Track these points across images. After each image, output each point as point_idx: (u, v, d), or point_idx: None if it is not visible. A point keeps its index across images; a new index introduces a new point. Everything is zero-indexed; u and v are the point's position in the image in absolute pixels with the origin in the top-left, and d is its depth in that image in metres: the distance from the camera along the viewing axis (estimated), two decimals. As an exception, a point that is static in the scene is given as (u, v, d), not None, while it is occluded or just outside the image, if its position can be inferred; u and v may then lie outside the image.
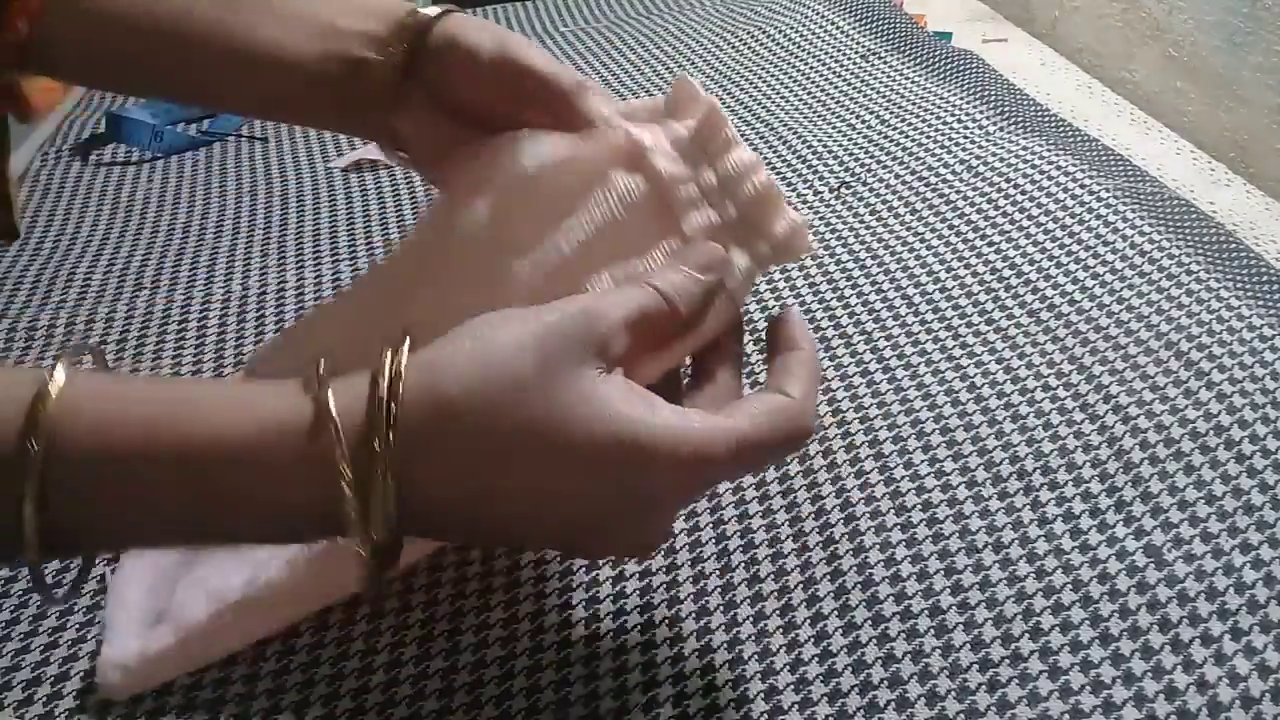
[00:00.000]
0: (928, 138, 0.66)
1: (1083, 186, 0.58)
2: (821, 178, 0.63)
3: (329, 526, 0.30)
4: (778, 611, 0.37)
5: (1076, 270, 0.53)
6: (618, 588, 0.39)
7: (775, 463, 0.40)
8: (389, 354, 0.31)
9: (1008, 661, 0.35)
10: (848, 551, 0.39)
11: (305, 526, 0.31)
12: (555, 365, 0.31)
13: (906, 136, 0.67)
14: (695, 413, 0.32)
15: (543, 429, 0.30)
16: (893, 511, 0.41)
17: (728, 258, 0.35)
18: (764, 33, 0.84)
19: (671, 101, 0.39)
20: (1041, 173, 0.60)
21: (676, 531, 0.41)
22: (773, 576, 0.39)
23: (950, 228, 0.57)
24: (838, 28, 0.83)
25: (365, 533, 0.29)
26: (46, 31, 0.44)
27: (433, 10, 0.43)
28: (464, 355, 0.31)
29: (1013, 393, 0.46)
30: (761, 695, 0.35)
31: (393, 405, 0.29)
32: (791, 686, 0.35)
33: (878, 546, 0.39)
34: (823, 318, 0.52)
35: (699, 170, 0.36)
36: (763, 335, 0.51)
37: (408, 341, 0.31)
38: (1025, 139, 0.65)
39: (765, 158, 0.66)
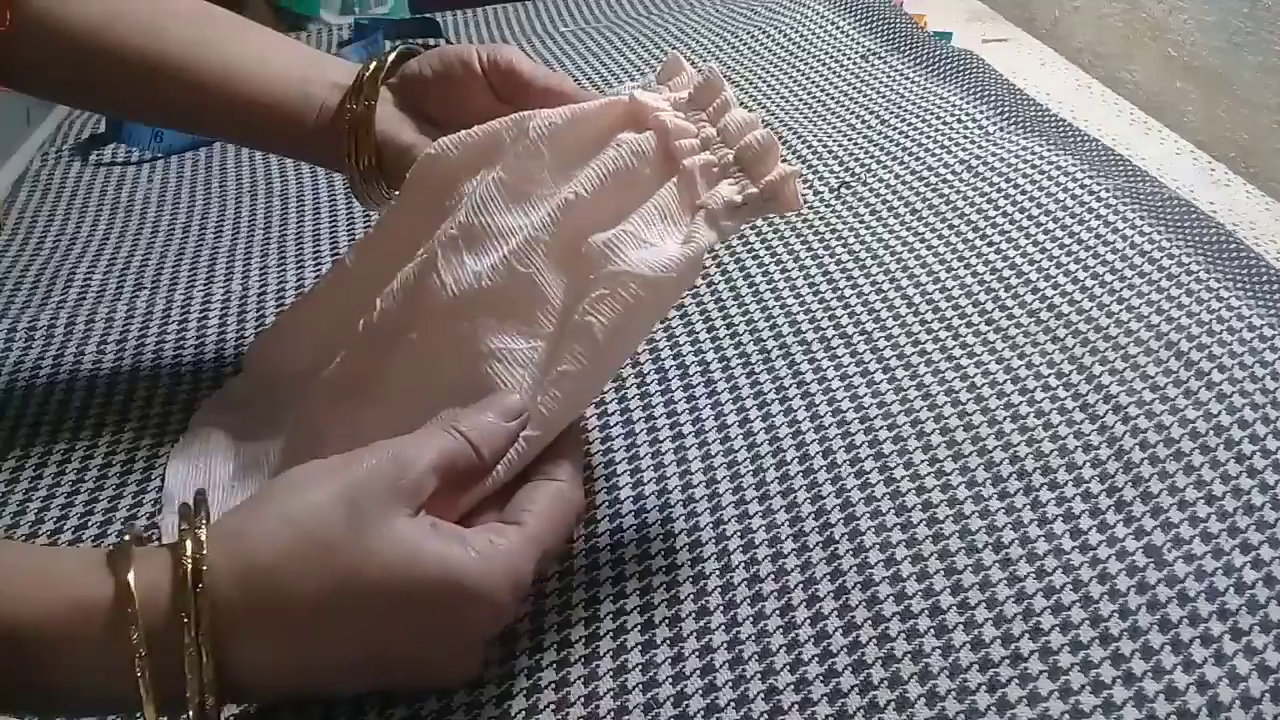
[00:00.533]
0: (928, 138, 0.66)
1: (1083, 186, 0.58)
2: (822, 178, 0.63)
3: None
4: (778, 611, 0.37)
5: (1076, 270, 0.53)
6: (617, 588, 0.39)
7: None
8: (189, 524, 0.31)
9: (1008, 661, 0.35)
10: (848, 551, 0.39)
11: (119, 705, 0.31)
12: (365, 516, 0.31)
13: (907, 136, 0.67)
14: (494, 532, 0.33)
15: (359, 581, 0.31)
16: (893, 511, 0.41)
17: (525, 404, 0.37)
18: (764, 33, 0.84)
19: (663, 75, 0.41)
20: (1041, 173, 0.60)
21: (676, 532, 0.41)
22: (773, 576, 0.39)
23: (950, 228, 0.57)
24: (838, 28, 0.83)
25: (156, 715, 0.29)
26: (16, 52, 0.44)
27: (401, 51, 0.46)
28: (273, 518, 0.31)
29: (1013, 392, 0.46)
30: (761, 695, 0.35)
31: (199, 577, 0.29)
32: (791, 686, 0.35)
33: (878, 546, 0.39)
34: (823, 318, 0.52)
35: (699, 126, 0.38)
36: (764, 334, 0.51)
37: (207, 511, 0.32)
38: (1025, 139, 0.65)
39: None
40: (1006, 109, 0.70)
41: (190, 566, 0.29)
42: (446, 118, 0.45)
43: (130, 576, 0.29)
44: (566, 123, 0.39)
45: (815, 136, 0.68)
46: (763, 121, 0.38)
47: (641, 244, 0.36)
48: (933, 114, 0.69)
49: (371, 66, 0.45)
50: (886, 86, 0.74)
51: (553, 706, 0.35)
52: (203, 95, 0.45)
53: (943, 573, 0.38)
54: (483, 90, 0.45)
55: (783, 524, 0.41)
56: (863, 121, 0.69)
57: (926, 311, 0.51)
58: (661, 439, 0.45)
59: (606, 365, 0.38)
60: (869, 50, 0.79)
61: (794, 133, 0.69)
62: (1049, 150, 0.62)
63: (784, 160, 0.38)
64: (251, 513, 0.32)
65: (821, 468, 0.43)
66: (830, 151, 0.66)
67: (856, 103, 0.72)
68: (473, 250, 0.38)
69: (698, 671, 0.36)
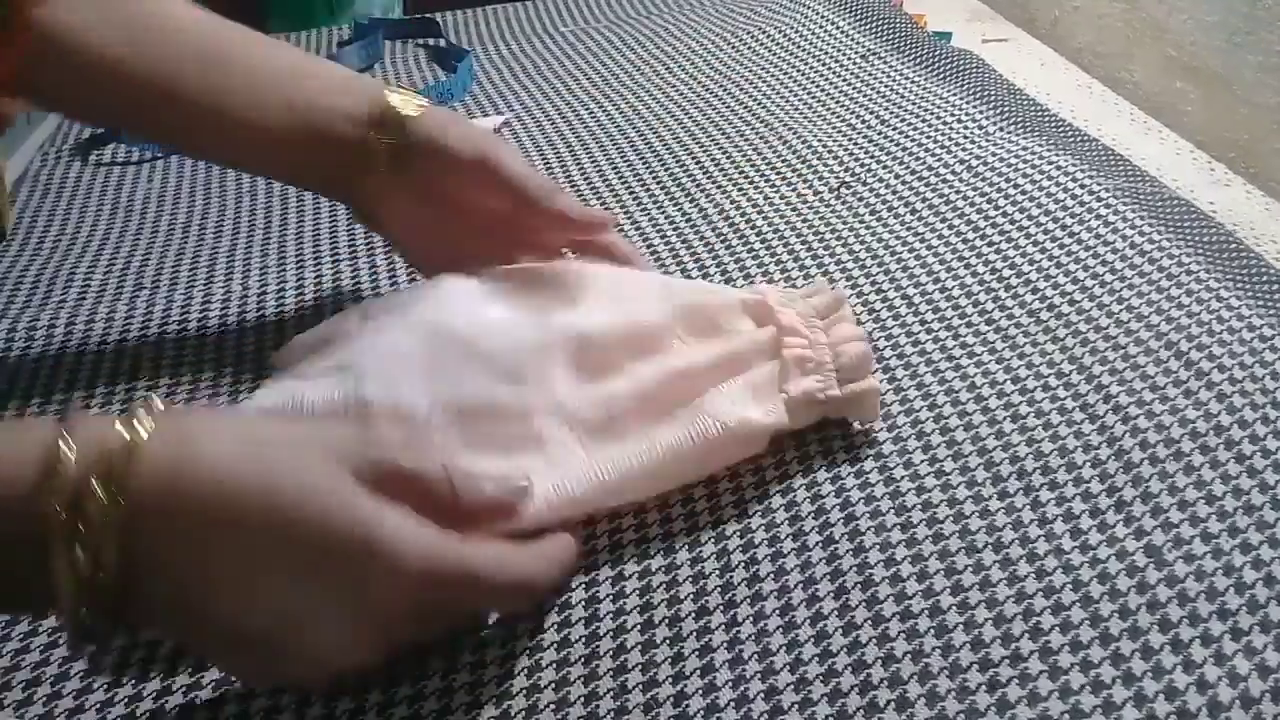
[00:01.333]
0: (928, 138, 0.66)
1: (1083, 186, 0.58)
2: (821, 178, 0.63)
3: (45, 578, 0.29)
4: (778, 611, 0.37)
5: (1076, 270, 0.53)
6: (617, 587, 0.39)
7: (508, 605, 0.38)
8: (143, 405, 0.31)
9: (1008, 661, 0.35)
10: (847, 551, 0.39)
11: (27, 574, 0.30)
12: (309, 454, 0.32)
13: (906, 136, 0.67)
14: (438, 529, 0.33)
15: (277, 505, 0.30)
16: (893, 511, 0.41)
17: (527, 488, 0.38)
18: (764, 33, 0.84)
19: (806, 291, 0.47)
20: (1041, 173, 0.60)
21: (676, 532, 0.41)
22: (772, 576, 0.39)
23: (950, 228, 0.57)
24: (838, 28, 0.83)
25: (74, 576, 0.29)
26: (35, 74, 0.45)
27: (404, 101, 0.47)
28: (225, 423, 0.32)
29: (1013, 393, 0.46)
30: (761, 695, 0.35)
31: (132, 452, 0.29)
32: (791, 686, 0.35)
33: (878, 546, 0.39)
34: (823, 318, 0.52)
35: (813, 329, 0.45)
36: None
37: (156, 403, 0.32)
38: (1025, 139, 0.65)
39: (765, 158, 0.66)
40: (1006, 109, 0.70)
41: (128, 439, 0.30)
42: (425, 188, 0.48)
43: (62, 441, 0.29)
44: (706, 298, 0.46)
45: (815, 136, 0.68)
46: (868, 338, 0.45)
47: (729, 402, 0.41)
48: (933, 114, 0.69)
49: (361, 129, 0.46)
50: (886, 86, 0.74)
51: (553, 706, 0.35)
52: (211, 140, 0.48)
53: (942, 573, 0.38)
54: (466, 180, 0.47)
55: (782, 523, 0.41)
56: (863, 121, 0.69)
57: (926, 311, 0.51)
58: (661, 439, 0.45)
59: (651, 478, 0.41)
60: (869, 50, 0.79)
61: (794, 132, 0.69)
62: (1049, 150, 0.62)
63: (874, 374, 0.44)
64: (205, 413, 0.33)
65: (821, 467, 0.43)
66: (830, 151, 0.66)
67: (856, 102, 0.72)
68: (587, 375, 0.43)
69: (697, 671, 0.36)
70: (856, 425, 0.45)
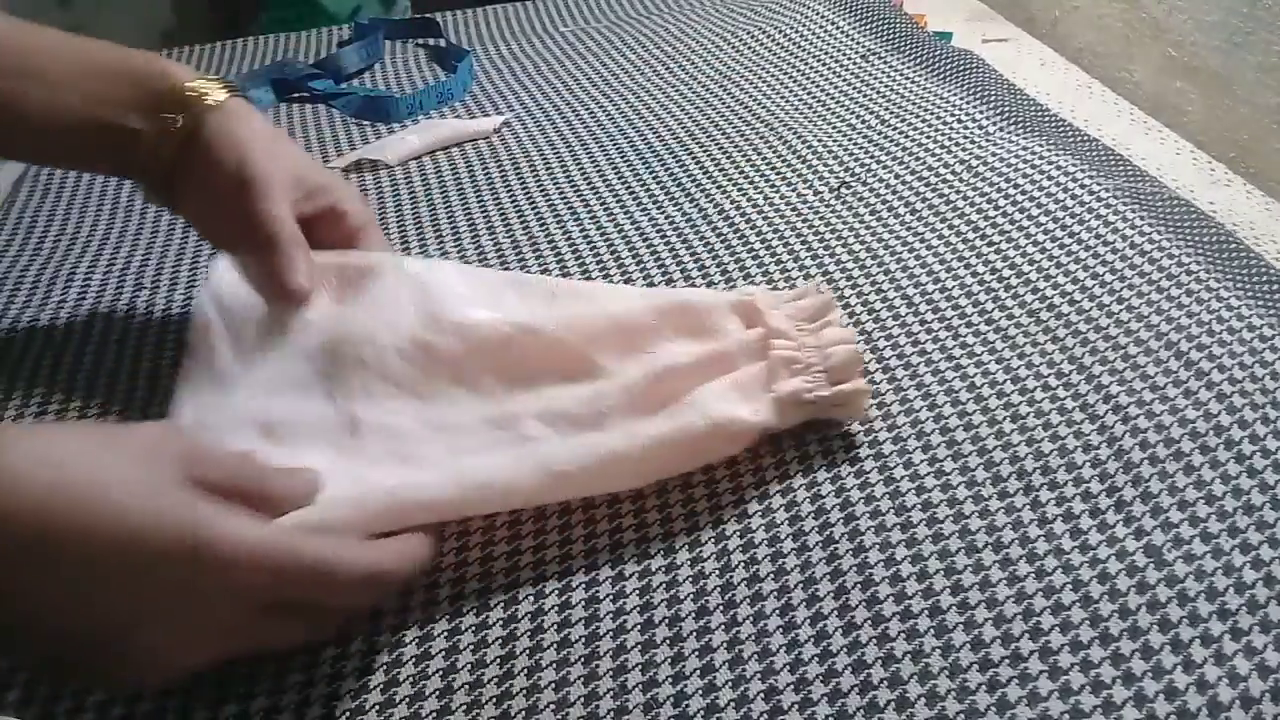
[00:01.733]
0: (928, 138, 0.66)
1: (1083, 186, 0.58)
2: (821, 178, 0.63)
3: None
4: (778, 611, 0.37)
5: (1076, 270, 0.53)
6: (617, 587, 0.39)
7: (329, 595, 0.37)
8: None
9: (1008, 661, 0.35)
10: (847, 551, 0.39)
11: None
12: (124, 456, 0.32)
13: (906, 136, 0.67)
14: (284, 529, 0.34)
15: (98, 511, 0.30)
16: (892, 511, 0.41)
17: (317, 486, 0.38)
18: (764, 33, 0.84)
19: (795, 294, 0.48)
20: (1041, 173, 0.60)
21: (676, 532, 0.41)
22: (772, 576, 0.39)
23: (950, 228, 0.57)
24: (838, 28, 0.83)
25: None
26: None
27: (205, 88, 0.47)
28: (27, 435, 0.32)
29: (1012, 393, 0.46)
30: (761, 695, 0.35)
31: None
32: (791, 686, 0.35)
33: (877, 546, 0.39)
34: (823, 318, 0.52)
35: (801, 331, 0.45)
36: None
37: None
38: (1025, 139, 0.65)
39: (765, 158, 0.66)
40: (1006, 109, 0.70)
41: None
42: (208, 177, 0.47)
43: None
44: (693, 299, 0.46)
45: (815, 136, 0.68)
46: (856, 340, 0.45)
47: (716, 399, 0.41)
48: (933, 114, 0.69)
49: (155, 118, 0.47)
50: (886, 86, 0.74)
51: (553, 706, 0.35)
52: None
53: (942, 573, 0.38)
54: (223, 190, 0.46)
55: (782, 523, 0.41)
56: (863, 121, 0.69)
57: (926, 311, 0.51)
58: (661, 439, 0.45)
59: (635, 465, 0.40)
60: (869, 50, 0.79)
61: (794, 132, 0.69)
62: (1049, 150, 0.62)
63: (866, 376, 0.44)
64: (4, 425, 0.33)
65: (821, 467, 0.43)
66: (830, 151, 0.66)
67: (856, 102, 0.72)
68: (572, 374, 0.43)
69: (697, 671, 0.36)
70: (855, 425, 0.45)
